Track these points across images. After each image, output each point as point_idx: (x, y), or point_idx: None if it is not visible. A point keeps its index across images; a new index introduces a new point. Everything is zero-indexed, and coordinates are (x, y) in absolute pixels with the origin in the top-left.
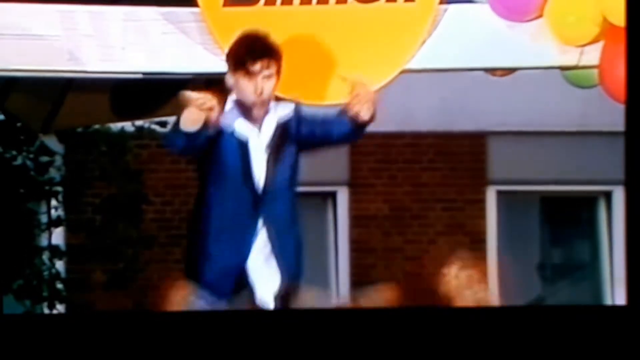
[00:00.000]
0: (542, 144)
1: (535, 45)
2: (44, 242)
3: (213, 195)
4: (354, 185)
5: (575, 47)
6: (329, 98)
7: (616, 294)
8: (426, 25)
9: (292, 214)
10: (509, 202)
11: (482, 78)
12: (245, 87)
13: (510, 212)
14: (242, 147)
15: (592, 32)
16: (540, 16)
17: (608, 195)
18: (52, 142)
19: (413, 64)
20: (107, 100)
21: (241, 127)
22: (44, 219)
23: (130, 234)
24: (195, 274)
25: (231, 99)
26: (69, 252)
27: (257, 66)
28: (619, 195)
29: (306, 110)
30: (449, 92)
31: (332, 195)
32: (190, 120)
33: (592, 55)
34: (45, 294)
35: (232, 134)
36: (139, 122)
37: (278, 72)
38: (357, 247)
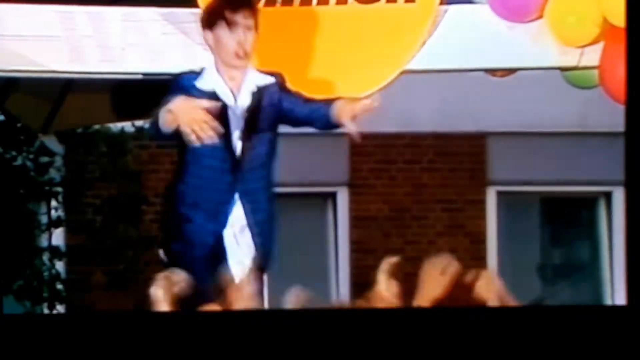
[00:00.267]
0: (542, 144)
1: (535, 46)
2: (44, 242)
3: (191, 164)
4: (354, 185)
5: (576, 48)
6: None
7: (616, 295)
8: (426, 26)
9: (269, 190)
10: (509, 202)
11: (482, 79)
12: (227, 38)
13: (510, 213)
14: (222, 112)
15: (592, 32)
16: (540, 17)
17: (608, 196)
18: (52, 142)
19: (413, 65)
20: (107, 101)
21: (220, 90)
22: (44, 219)
23: (130, 235)
24: (169, 247)
25: (209, 63)
26: (69, 253)
27: (238, 15)
28: (619, 196)
29: (289, 86)
30: (449, 93)
31: (332, 196)
32: (170, 122)
33: (592, 56)
34: (45, 294)
35: (210, 96)
36: (139, 123)
37: (256, 27)
38: (357, 248)
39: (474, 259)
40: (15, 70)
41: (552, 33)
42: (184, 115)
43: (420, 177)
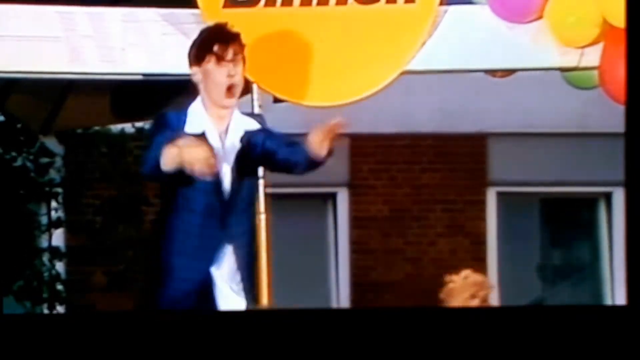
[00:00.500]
0: (542, 145)
1: (535, 47)
2: (44, 243)
3: (180, 209)
4: (354, 186)
5: (576, 49)
6: (328, 99)
7: (616, 295)
8: (426, 27)
9: (252, 232)
10: (509, 203)
11: (482, 79)
12: (216, 73)
13: (510, 214)
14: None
15: (592, 33)
16: (540, 17)
17: (608, 197)
18: (52, 143)
19: (413, 65)
20: (107, 102)
21: (210, 133)
22: (44, 220)
23: (130, 236)
24: (156, 290)
25: (196, 101)
26: (69, 254)
27: (228, 50)
28: (619, 197)
29: (273, 128)
30: (449, 94)
31: (332, 197)
32: (174, 158)
33: (592, 57)
34: (45, 295)
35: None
36: (139, 124)
37: (244, 59)
38: (357, 249)
39: (474, 259)
40: (15, 71)
41: (552, 33)
42: (189, 152)
43: (420, 178)
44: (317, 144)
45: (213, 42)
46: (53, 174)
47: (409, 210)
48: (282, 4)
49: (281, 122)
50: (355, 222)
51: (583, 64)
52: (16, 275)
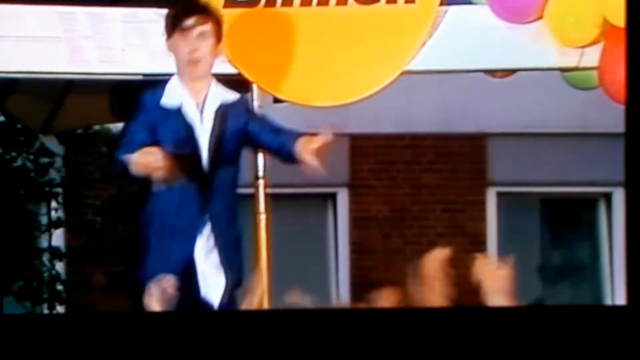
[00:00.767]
0: (542, 145)
1: (535, 47)
2: (44, 243)
3: (159, 189)
4: (354, 186)
5: (576, 49)
6: (329, 99)
7: (616, 295)
8: (426, 27)
9: (235, 211)
10: (509, 203)
11: (482, 79)
12: (180, 46)
13: (510, 214)
14: (188, 130)
15: (593, 33)
16: (540, 18)
17: (608, 197)
18: (52, 143)
19: (413, 65)
20: (107, 102)
21: (187, 105)
22: (44, 220)
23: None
24: (138, 270)
25: (174, 75)
26: (69, 254)
27: (190, 21)
28: (619, 197)
29: (257, 109)
30: (449, 94)
31: (332, 197)
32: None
33: (592, 57)
34: (45, 295)
35: (176, 114)
36: None
37: (217, 34)
38: (357, 249)
39: (474, 259)
40: (15, 71)
41: (552, 34)
42: (144, 157)
43: (420, 178)
44: (306, 151)
45: (178, 16)
46: (53, 174)
47: (409, 211)
48: (283, 4)
49: (280, 122)
50: (356, 222)
51: (583, 64)
52: (16, 275)
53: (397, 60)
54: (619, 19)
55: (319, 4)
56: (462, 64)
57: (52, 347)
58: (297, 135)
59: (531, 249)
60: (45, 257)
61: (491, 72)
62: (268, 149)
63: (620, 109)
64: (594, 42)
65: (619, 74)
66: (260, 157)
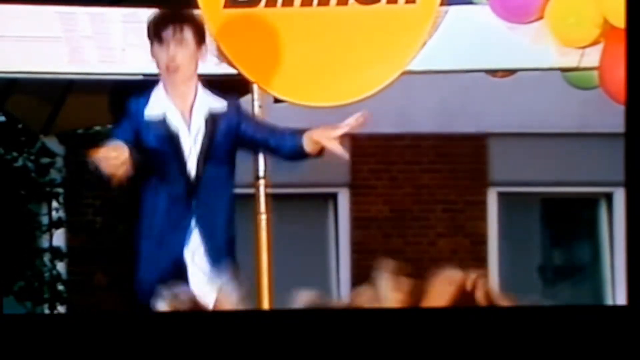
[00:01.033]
0: (542, 145)
1: (535, 47)
2: (45, 243)
3: (147, 192)
4: (355, 186)
5: (576, 49)
6: (329, 99)
7: (617, 295)
8: (427, 27)
9: (228, 213)
10: (510, 203)
11: (482, 79)
12: (159, 55)
13: (511, 214)
14: (173, 138)
15: (593, 33)
16: (540, 18)
17: (609, 197)
18: (53, 143)
19: (414, 66)
20: (108, 102)
21: (171, 114)
22: (44, 220)
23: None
24: (132, 274)
25: (159, 84)
26: (70, 254)
27: (168, 30)
28: (619, 197)
29: (247, 110)
30: (449, 94)
31: (333, 197)
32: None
33: (592, 57)
34: (46, 295)
35: (160, 122)
36: None
37: (198, 39)
38: (358, 249)
39: (475, 260)
40: (16, 71)
41: (553, 34)
42: (103, 152)
43: (420, 178)
44: (326, 138)
45: (155, 25)
46: (54, 174)
47: (409, 211)
48: (283, 4)
49: (281, 122)
50: (356, 222)
51: (583, 64)
52: (17, 275)
53: (397, 60)
54: (619, 19)
55: (319, 4)
56: (462, 64)
57: (52, 347)
58: (296, 131)
59: (531, 249)
60: (46, 257)
61: (492, 72)
62: (266, 147)
63: (620, 109)
64: (594, 43)
65: (619, 74)
66: (261, 157)
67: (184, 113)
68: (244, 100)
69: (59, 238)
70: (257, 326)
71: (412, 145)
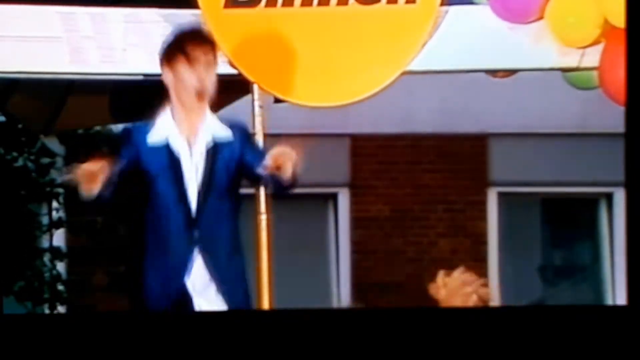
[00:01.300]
0: (543, 145)
1: (536, 47)
2: (45, 243)
3: (150, 221)
4: (355, 186)
5: (576, 49)
6: (329, 99)
7: (617, 295)
8: (427, 27)
9: (234, 241)
10: (510, 203)
11: (483, 79)
12: (187, 75)
13: (511, 214)
14: (175, 164)
15: (593, 33)
16: (541, 18)
17: (609, 197)
18: (53, 143)
19: (414, 66)
20: (108, 102)
21: (174, 142)
22: (45, 220)
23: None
24: (136, 299)
25: (164, 110)
26: (70, 254)
27: (199, 51)
28: (619, 197)
29: (253, 140)
30: (449, 94)
31: (333, 197)
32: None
33: (592, 57)
34: (46, 295)
35: (161, 147)
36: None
37: (215, 64)
38: (358, 249)
39: (475, 260)
40: (16, 71)
41: (553, 34)
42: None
43: (421, 178)
44: (282, 167)
45: (185, 42)
46: (54, 174)
47: (410, 211)
48: (283, 5)
49: (281, 122)
50: (356, 222)
51: (583, 64)
52: (17, 275)
53: (397, 60)
54: (619, 19)
55: (319, 4)
56: (462, 64)
57: (52, 347)
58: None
59: (532, 249)
60: (46, 258)
61: (492, 72)
62: (260, 180)
63: (620, 109)
64: (595, 43)
65: (619, 74)
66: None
67: (189, 138)
68: (245, 100)
69: (59, 238)
70: (257, 326)
71: (413, 145)
